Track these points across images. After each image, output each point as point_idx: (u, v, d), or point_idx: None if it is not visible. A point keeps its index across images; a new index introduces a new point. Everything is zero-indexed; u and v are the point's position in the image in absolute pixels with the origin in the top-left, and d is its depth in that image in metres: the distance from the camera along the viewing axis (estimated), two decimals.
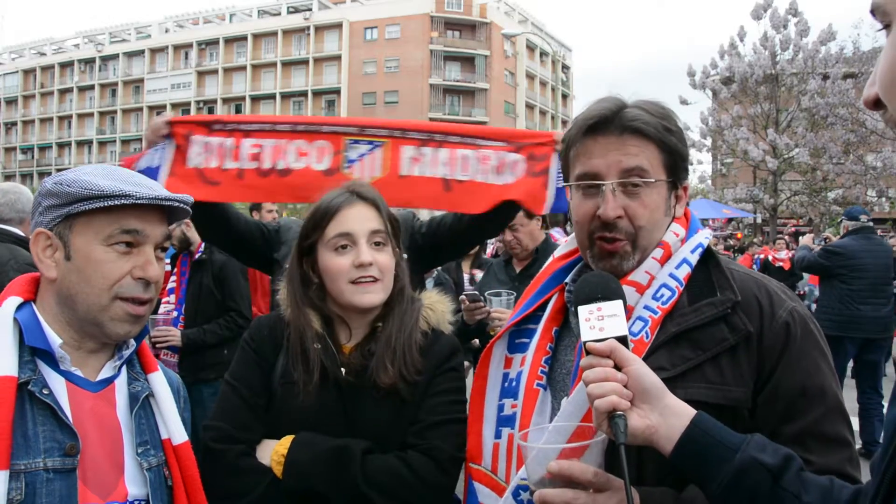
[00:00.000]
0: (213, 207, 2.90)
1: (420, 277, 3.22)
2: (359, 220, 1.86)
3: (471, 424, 1.74)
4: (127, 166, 2.69)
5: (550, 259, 1.78)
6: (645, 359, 1.38)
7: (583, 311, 1.31)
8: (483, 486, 1.67)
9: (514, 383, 1.65)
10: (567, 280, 1.69)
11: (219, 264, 4.78)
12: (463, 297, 3.48)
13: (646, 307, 1.46)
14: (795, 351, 1.40)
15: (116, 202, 1.38)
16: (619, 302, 1.31)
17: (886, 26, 0.79)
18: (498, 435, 1.65)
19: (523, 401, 1.58)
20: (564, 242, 1.79)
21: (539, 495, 1.25)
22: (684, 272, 1.49)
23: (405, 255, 3.03)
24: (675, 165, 1.54)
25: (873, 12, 0.81)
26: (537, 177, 2.58)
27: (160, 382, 1.56)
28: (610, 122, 1.50)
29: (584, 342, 1.28)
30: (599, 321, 1.29)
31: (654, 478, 1.36)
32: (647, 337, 1.43)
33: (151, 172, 2.63)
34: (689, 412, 1.23)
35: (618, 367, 1.24)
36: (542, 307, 1.70)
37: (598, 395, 1.21)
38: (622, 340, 1.27)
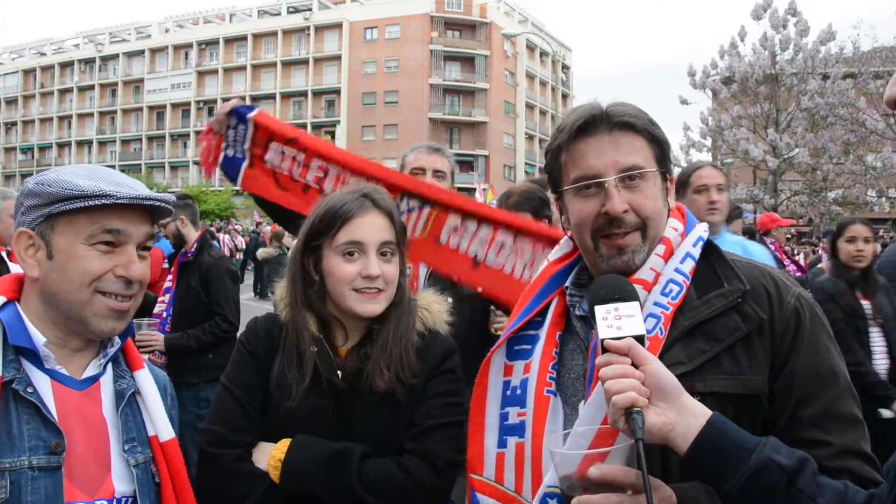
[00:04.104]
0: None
1: None
2: (371, 229, 1.84)
3: (471, 434, 1.70)
4: (207, 153, 2.86)
5: (545, 263, 1.76)
6: (661, 355, 1.39)
7: (600, 310, 1.33)
8: (487, 497, 1.63)
9: (518, 391, 1.62)
10: (567, 283, 1.66)
11: (205, 266, 4.65)
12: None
13: (656, 304, 1.46)
14: (806, 335, 1.42)
15: (97, 202, 1.38)
16: (636, 303, 1.33)
17: None
18: (503, 444, 1.62)
19: (534, 409, 1.56)
20: (556, 247, 1.78)
21: (580, 502, 1.25)
22: (689, 266, 1.50)
23: None
24: (664, 156, 1.56)
25: None
26: None
27: (146, 379, 1.56)
28: (599, 122, 1.51)
29: (602, 340, 1.29)
30: (617, 320, 1.30)
31: (679, 473, 1.37)
32: (661, 333, 1.43)
33: (236, 162, 2.82)
34: (705, 412, 1.24)
35: (635, 366, 1.25)
36: (541, 313, 1.67)
37: (617, 391, 1.21)
38: (639, 340, 1.28)
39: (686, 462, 1.24)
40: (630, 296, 1.35)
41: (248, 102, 3.16)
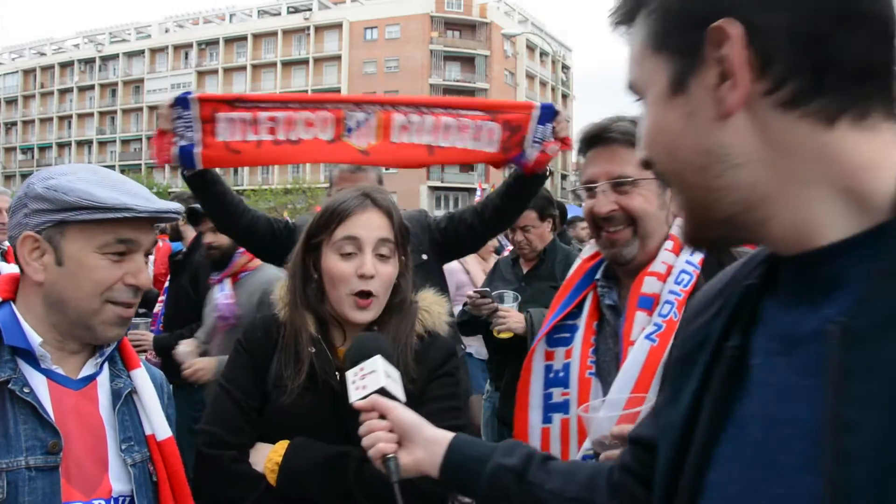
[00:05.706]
0: (222, 199, 3.12)
1: (440, 271, 3.40)
2: (369, 227, 1.83)
3: (518, 411, 1.96)
4: (161, 152, 2.91)
5: (579, 261, 2.02)
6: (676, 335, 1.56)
7: (349, 375, 1.50)
8: None
9: (560, 374, 1.89)
10: (598, 277, 1.92)
11: (195, 266, 4.62)
12: (472, 292, 3.55)
13: (671, 291, 1.71)
14: None
15: (118, 215, 1.38)
16: (377, 358, 1.48)
17: (640, 99, 0.90)
18: (547, 420, 1.89)
19: (578, 389, 1.83)
20: (588, 245, 2.06)
21: (606, 456, 1.47)
22: (698, 258, 1.74)
23: (425, 256, 3.09)
24: None
25: (630, 88, 0.90)
26: (510, 151, 2.97)
27: (143, 379, 1.56)
28: (599, 137, 1.82)
29: (352, 402, 1.45)
30: (362, 380, 1.47)
31: None
32: (675, 317, 1.65)
33: (189, 150, 2.92)
34: (446, 438, 1.36)
35: (384, 417, 1.41)
36: (577, 305, 1.94)
37: (369, 445, 1.38)
38: (383, 392, 1.43)
39: (441, 487, 1.39)
40: (370, 352, 1.50)
41: None
